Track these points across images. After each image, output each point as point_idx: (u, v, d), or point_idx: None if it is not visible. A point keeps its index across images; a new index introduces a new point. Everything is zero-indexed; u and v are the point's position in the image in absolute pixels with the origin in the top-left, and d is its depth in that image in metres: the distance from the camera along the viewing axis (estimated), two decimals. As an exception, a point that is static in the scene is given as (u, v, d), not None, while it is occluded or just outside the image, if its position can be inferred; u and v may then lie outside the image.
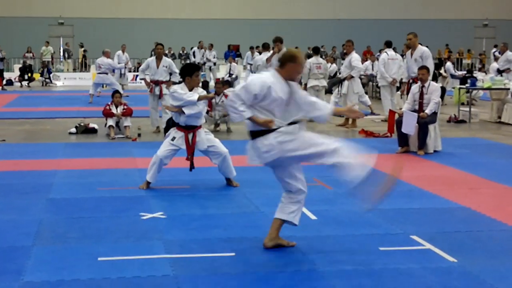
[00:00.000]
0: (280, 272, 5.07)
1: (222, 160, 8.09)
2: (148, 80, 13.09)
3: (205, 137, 8.10)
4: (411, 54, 12.21)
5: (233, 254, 5.49)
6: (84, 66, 35.70)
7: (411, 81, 12.11)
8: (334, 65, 23.57)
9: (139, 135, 12.64)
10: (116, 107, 12.84)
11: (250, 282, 4.88)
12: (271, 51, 13.66)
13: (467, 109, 15.77)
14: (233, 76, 22.06)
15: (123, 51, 25.81)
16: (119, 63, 24.99)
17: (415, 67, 11.92)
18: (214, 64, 26.80)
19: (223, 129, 13.67)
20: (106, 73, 20.53)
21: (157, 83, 12.97)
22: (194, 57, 28.31)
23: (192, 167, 8.19)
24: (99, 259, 5.35)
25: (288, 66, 5.40)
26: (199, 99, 8.00)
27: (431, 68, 12.08)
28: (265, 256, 5.43)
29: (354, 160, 5.28)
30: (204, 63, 27.36)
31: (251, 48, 26.60)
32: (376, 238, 5.96)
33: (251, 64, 25.94)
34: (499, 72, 18.16)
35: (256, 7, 40.53)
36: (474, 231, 6.23)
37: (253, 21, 39.70)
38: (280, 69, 5.46)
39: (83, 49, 36.04)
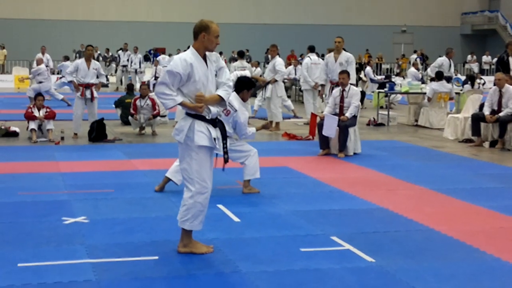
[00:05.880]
0: (204, 275, 5.12)
1: None
2: (77, 83, 12.81)
3: None
4: (335, 58, 12.53)
5: (156, 257, 5.50)
6: (2, 68, 34.71)
7: (333, 85, 12.39)
8: (258, 69, 23.79)
9: (62, 138, 12.44)
10: (39, 110, 12.61)
11: (174, 285, 4.91)
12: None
13: (386, 112, 16.22)
14: (159, 79, 21.95)
15: (42, 53, 25.20)
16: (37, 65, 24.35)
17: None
18: (140, 66, 26.58)
19: (148, 132, 13.61)
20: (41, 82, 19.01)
21: (88, 86, 12.75)
22: (119, 59, 28.00)
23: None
24: (19, 265, 5.26)
25: (201, 36, 5.36)
26: None
27: (354, 73, 12.48)
28: (188, 259, 5.47)
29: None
30: (129, 65, 27.11)
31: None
32: (298, 239, 6.09)
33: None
34: (448, 80, 18.16)
35: (181, 10, 40.44)
36: (391, 232, 6.44)
37: (178, 24, 39.59)
38: (195, 41, 5.40)
39: (4, 50, 35.08)
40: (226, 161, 5.63)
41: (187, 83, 5.35)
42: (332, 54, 12.76)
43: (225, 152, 5.57)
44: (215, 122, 5.48)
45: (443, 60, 18.64)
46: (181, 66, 5.29)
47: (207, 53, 5.46)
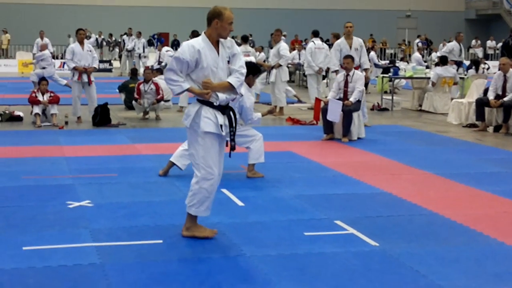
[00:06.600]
0: (208, 258, 5.14)
1: None
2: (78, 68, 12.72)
3: None
4: (349, 44, 12.46)
5: (160, 241, 5.52)
6: (6, 53, 34.70)
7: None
8: (262, 53, 23.76)
9: (66, 123, 12.46)
10: (43, 94, 12.61)
11: (178, 268, 4.93)
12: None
13: (390, 97, 16.21)
14: (163, 64, 21.90)
15: (41, 38, 25.11)
16: (39, 51, 24.31)
17: (357, 57, 12.29)
18: (143, 51, 26.54)
19: (152, 117, 13.61)
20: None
21: (85, 70, 12.73)
22: (124, 44, 27.91)
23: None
24: (24, 248, 5.28)
25: (214, 23, 5.31)
26: None
27: (367, 57, 12.56)
28: (193, 242, 5.48)
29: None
30: (133, 50, 27.01)
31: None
32: (301, 223, 6.10)
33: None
34: (459, 65, 18.13)
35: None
36: (395, 216, 6.44)
37: (181, 9, 39.51)
38: (208, 27, 5.37)
39: (7, 35, 35.05)
40: (232, 148, 5.58)
41: (196, 70, 5.34)
42: (343, 40, 12.65)
43: (232, 140, 5.54)
44: (224, 109, 5.46)
45: (453, 45, 18.56)
46: (188, 53, 5.27)
47: (221, 39, 5.42)
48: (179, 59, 5.29)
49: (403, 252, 5.31)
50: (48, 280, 4.67)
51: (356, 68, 12.11)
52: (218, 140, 5.46)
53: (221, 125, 5.39)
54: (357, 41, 12.58)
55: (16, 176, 7.98)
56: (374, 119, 13.94)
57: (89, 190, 7.32)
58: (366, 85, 12.52)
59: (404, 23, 43.39)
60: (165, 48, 23.14)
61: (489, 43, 38.18)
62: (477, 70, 18.44)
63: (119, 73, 27.28)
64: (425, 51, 32.36)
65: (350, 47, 12.47)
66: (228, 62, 5.43)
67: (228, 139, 5.54)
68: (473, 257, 5.24)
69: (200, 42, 5.34)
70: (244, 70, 5.47)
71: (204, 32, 5.41)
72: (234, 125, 5.52)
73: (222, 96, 5.38)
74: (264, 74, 15.01)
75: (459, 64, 18.02)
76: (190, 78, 5.38)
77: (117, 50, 33.03)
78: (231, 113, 5.50)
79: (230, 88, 5.40)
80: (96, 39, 33.30)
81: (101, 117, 12.47)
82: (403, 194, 7.29)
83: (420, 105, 15.92)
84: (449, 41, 34.84)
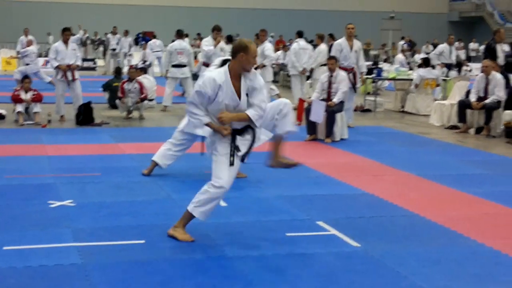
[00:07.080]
0: (190, 259, 5.14)
1: None
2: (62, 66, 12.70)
3: None
4: (350, 46, 12.49)
5: (143, 241, 5.51)
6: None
7: (349, 72, 12.31)
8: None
9: (49, 121, 12.40)
10: (26, 92, 12.54)
11: (160, 269, 4.93)
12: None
13: (373, 98, 16.27)
14: (147, 63, 21.85)
15: (25, 35, 24.94)
16: (22, 49, 24.19)
17: (355, 59, 12.35)
18: (129, 50, 26.42)
19: (136, 116, 13.58)
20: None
21: (68, 67, 12.68)
22: (109, 43, 27.76)
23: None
24: (4, 248, 5.25)
25: (240, 56, 5.33)
26: None
27: (364, 61, 12.67)
28: (175, 243, 5.48)
29: None
30: (120, 50, 26.89)
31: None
32: (283, 224, 6.12)
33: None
34: (449, 67, 18.22)
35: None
36: (377, 217, 6.47)
37: (167, 8, 39.41)
38: (233, 60, 5.40)
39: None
40: (231, 164, 5.57)
41: (212, 102, 5.39)
42: (345, 40, 12.64)
43: (231, 155, 5.54)
44: (236, 132, 5.49)
45: (443, 47, 18.65)
46: (209, 87, 5.31)
47: (245, 72, 5.42)
48: (201, 92, 5.33)
49: (384, 253, 5.34)
50: (29, 280, 4.65)
51: (351, 69, 12.21)
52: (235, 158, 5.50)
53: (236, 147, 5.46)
54: (357, 43, 12.67)
55: (-2, 175, 7.94)
56: (356, 120, 13.98)
57: (71, 189, 7.29)
58: (354, 87, 12.55)
59: (388, 24, 43.57)
60: (155, 43, 23.10)
61: (472, 45, 38.41)
62: (459, 72, 18.57)
63: (103, 71, 27.15)
64: (408, 53, 32.48)
65: (351, 48, 12.52)
66: (247, 94, 5.44)
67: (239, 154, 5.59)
68: (453, 258, 5.29)
69: (222, 75, 5.36)
70: (265, 105, 5.45)
71: (228, 65, 5.43)
72: (252, 143, 5.54)
73: (234, 124, 5.45)
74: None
75: (449, 66, 18.11)
76: (206, 109, 5.44)
77: (101, 48, 32.87)
78: (246, 133, 5.52)
79: (247, 120, 5.43)
80: (81, 38, 33.12)
81: (85, 116, 12.42)
82: (385, 195, 7.33)
83: (403, 107, 16.01)
84: (432, 43, 35.16)
